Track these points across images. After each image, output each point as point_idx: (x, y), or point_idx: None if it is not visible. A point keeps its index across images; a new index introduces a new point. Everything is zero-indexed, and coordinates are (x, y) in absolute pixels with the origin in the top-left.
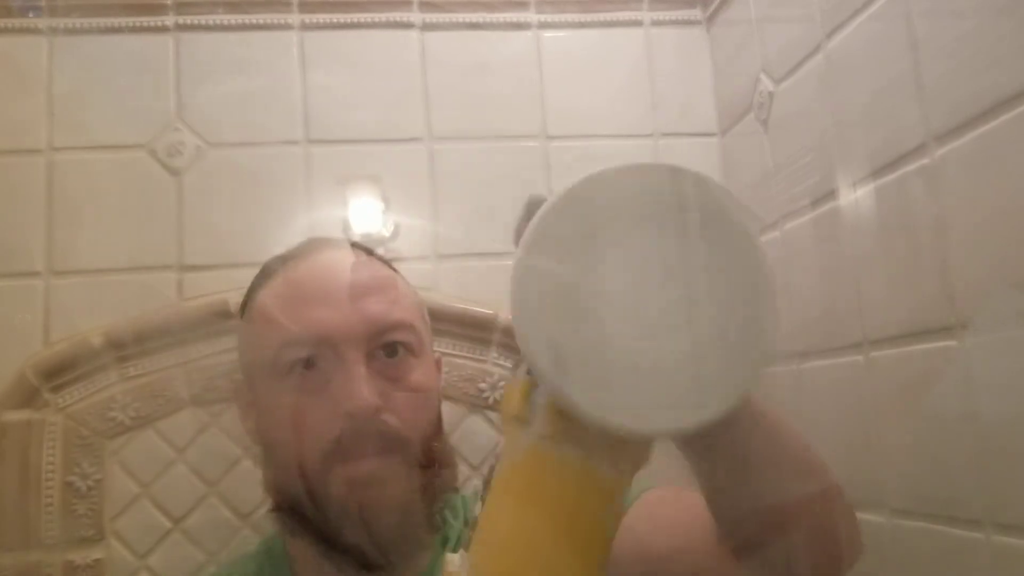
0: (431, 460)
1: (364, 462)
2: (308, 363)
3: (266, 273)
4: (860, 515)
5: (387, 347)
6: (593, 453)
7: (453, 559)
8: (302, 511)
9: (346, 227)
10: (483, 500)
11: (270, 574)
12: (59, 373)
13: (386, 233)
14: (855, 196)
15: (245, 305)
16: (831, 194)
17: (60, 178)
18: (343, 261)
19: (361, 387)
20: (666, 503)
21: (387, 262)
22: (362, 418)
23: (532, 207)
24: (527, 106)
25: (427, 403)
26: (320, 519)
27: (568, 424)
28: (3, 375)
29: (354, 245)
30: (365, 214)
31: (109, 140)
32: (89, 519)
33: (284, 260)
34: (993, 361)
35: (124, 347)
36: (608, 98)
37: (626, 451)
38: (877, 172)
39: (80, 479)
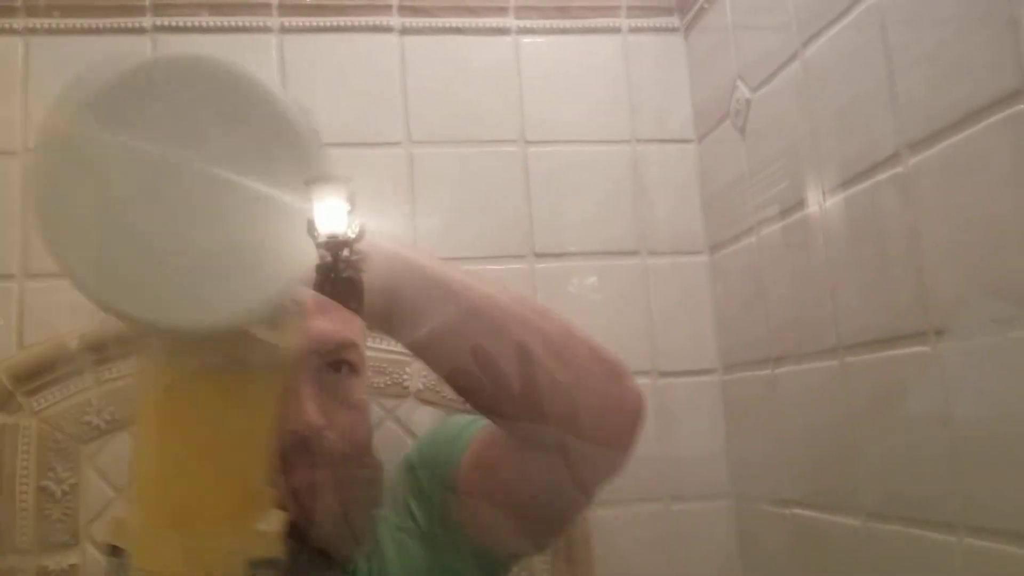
0: (363, 473)
1: (302, 473)
2: None
3: None
4: (835, 519)
5: (333, 365)
6: (217, 362)
7: (120, 498)
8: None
9: (311, 228)
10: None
11: None
12: (34, 376)
13: (351, 235)
14: (830, 203)
15: None
16: (806, 201)
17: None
18: None
19: (307, 406)
20: (485, 439)
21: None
22: (306, 435)
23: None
24: (505, 111)
25: (365, 419)
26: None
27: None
28: None
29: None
30: (330, 215)
31: None
32: (64, 524)
33: None
34: (966, 367)
35: (100, 351)
36: (586, 104)
37: (251, 349)
38: (852, 180)
39: (55, 483)
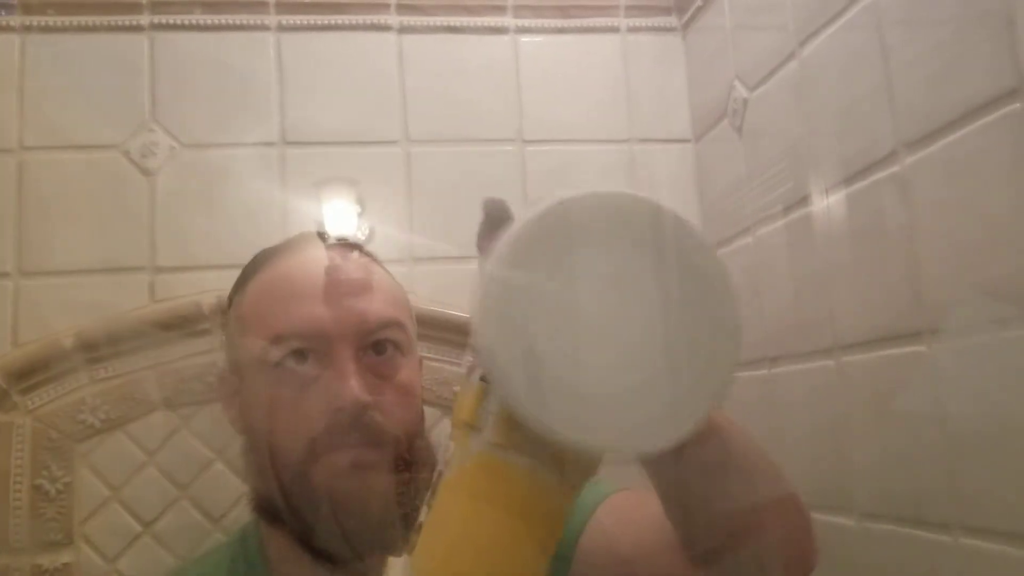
0: (413, 458)
1: (347, 452)
2: (299, 357)
3: (257, 265)
4: (829, 518)
5: (377, 344)
6: (541, 463)
7: (396, 563)
8: (281, 500)
9: (321, 230)
10: (429, 505)
11: (243, 563)
12: (28, 375)
13: (361, 237)
14: (827, 203)
15: (233, 296)
16: (803, 200)
17: (31, 178)
18: (335, 257)
19: (351, 383)
20: (632, 506)
21: (376, 259)
22: (350, 413)
23: (491, 211)
24: (503, 111)
25: (412, 401)
26: (298, 508)
27: (518, 433)
28: None
29: (343, 243)
30: (340, 217)
31: (82, 140)
32: (58, 523)
33: (275, 253)
34: (962, 366)
35: (95, 349)
36: (584, 104)
37: (574, 463)
38: (849, 179)
39: (49, 482)
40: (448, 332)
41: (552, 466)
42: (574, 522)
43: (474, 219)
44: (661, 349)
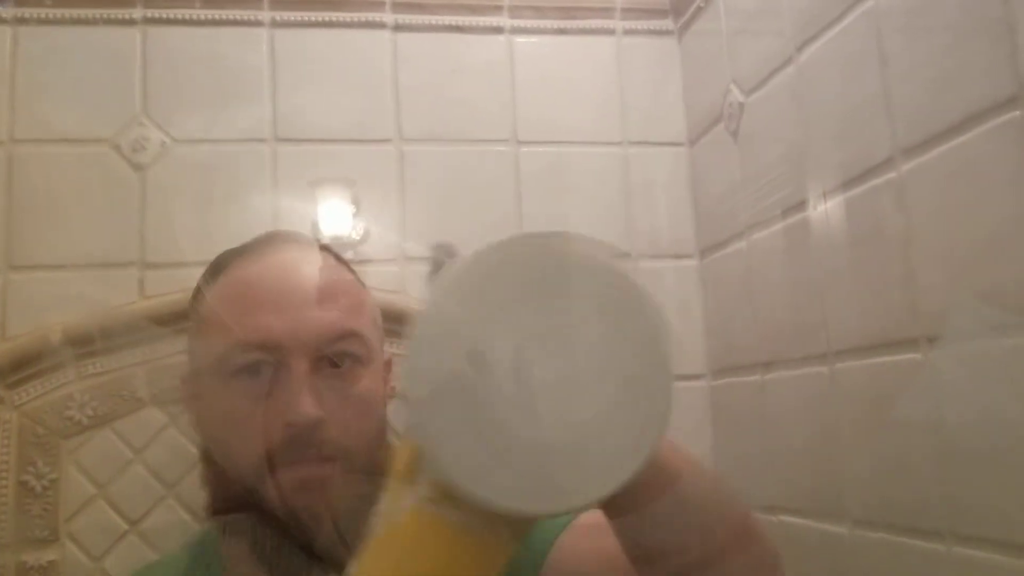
0: (372, 470)
1: (300, 468)
2: (252, 369)
3: (217, 268)
4: (822, 526)
5: (334, 356)
6: (475, 519)
7: None
8: (237, 509)
9: (315, 229)
10: (358, 557)
11: (202, 567)
12: (16, 369)
13: (356, 237)
14: (823, 208)
15: (195, 298)
16: (799, 206)
17: (21, 171)
18: (296, 262)
19: (303, 398)
20: (600, 526)
21: (346, 263)
22: (302, 429)
23: (438, 255)
24: (498, 111)
25: (371, 412)
26: (253, 520)
27: (452, 490)
28: None
29: (311, 244)
30: (335, 217)
31: (72, 133)
32: (43, 520)
33: (236, 255)
34: (958, 374)
35: (83, 344)
36: (578, 105)
37: (509, 520)
38: (845, 185)
39: (35, 478)
40: None
41: (488, 522)
42: (542, 542)
43: (467, 219)
44: (592, 399)
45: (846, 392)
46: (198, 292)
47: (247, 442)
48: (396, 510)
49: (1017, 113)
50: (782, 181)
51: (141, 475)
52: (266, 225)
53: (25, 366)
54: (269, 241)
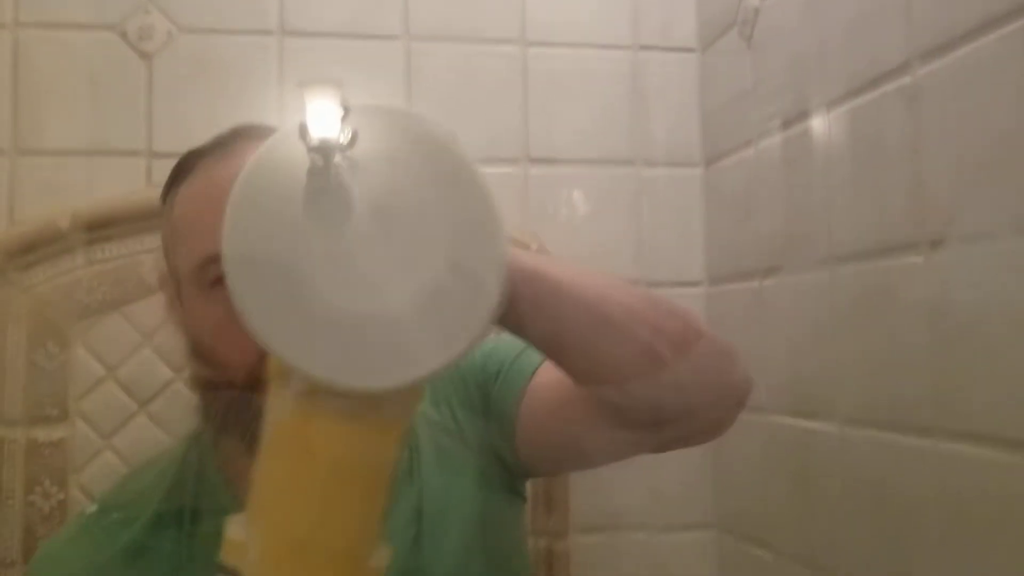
0: None
1: None
2: None
3: (186, 167)
4: (811, 424)
5: None
6: (354, 403)
7: (236, 520)
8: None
9: (303, 132)
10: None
11: (195, 462)
12: (24, 253)
13: (343, 140)
14: (833, 114)
15: (164, 197)
16: (809, 112)
17: (26, 55)
18: None
19: None
20: (551, 375)
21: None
22: None
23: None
24: (507, 9)
25: None
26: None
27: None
28: None
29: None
30: (323, 119)
31: (78, 18)
32: (53, 399)
33: (207, 154)
34: (957, 276)
35: (91, 231)
36: (589, 6)
37: (393, 395)
38: (857, 91)
39: (45, 359)
40: None
41: (369, 404)
42: (513, 381)
43: (475, 120)
44: (416, 274)
45: (845, 296)
46: (167, 192)
47: (233, 354)
48: (279, 409)
49: None
50: (795, 88)
51: (150, 358)
52: (272, 114)
53: (34, 250)
54: (236, 137)
